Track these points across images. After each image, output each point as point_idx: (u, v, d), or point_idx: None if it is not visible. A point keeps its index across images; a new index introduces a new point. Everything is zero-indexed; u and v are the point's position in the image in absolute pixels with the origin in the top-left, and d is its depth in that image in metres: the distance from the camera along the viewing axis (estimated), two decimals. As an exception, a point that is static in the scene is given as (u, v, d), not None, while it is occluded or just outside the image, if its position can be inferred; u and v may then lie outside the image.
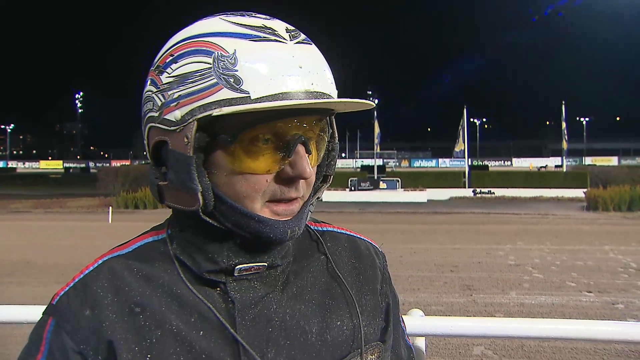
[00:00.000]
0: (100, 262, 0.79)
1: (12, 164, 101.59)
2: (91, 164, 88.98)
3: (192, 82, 0.70)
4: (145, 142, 0.79)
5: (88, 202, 23.60)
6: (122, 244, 0.82)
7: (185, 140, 0.70)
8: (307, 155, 0.73)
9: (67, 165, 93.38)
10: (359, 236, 0.95)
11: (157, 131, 0.75)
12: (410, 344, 0.96)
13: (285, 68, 0.69)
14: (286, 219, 0.74)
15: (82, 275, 0.77)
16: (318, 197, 0.84)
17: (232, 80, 0.67)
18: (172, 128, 0.72)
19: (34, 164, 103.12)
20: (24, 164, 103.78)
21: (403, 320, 0.96)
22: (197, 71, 0.69)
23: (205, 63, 0.69)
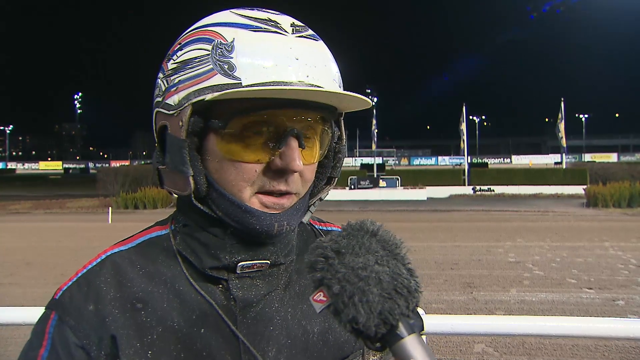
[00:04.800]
0: (103, 257, 0.79)
1: (11, 165, 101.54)
2: (90, 165, 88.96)
3: (190, 68, 0.71)
4: (154, 127, 0.80)
5: (88, 202, 23.53)
6: (126, 239, 0.82)
7: (180, 123, 0.71)
8: (300, 149, 0.72)
9: (66, 166, 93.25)
10: None
11: (161, 115, 0.77)
12: None
13: (281, 58, 0.69)
14: (274, 212, 0.73)
15: (84, 270, 0.77)
16: (320, 198, 0.83)
17: (226, 66, 0.69)
18: (171, 112, 0.73)
19: (34, 165, 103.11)
20: (23, 165, 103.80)
21: None
22: (196, 57, 0.71)
23: (205, 50, 0.71)
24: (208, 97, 0.68)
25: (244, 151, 0.71)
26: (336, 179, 0.84)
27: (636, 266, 8.73)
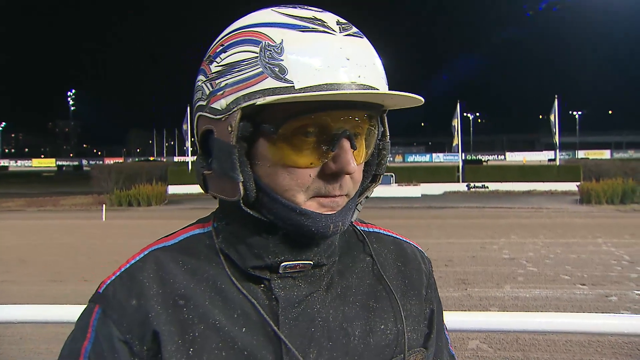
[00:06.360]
0: (146, 252, 0.79)
1: (4, 162, 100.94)
2: (84, 162, 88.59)
3: (238, 71, 0.69)
4: (195, 131, 0.79)
5: (82, 200, 23.42)
6: (168, 235, 0.82)
7: (229, 128, 0.70)
8: (352, 150, 0.71)
9: (60, 163, 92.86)
10: (405, 239, 0.94)
11: (205, 120, 0.75)
12: (453, 353, 0.93)
13: (332, 59, 0.68)
14: (330, 212, 0.72)
15: (128, 265, 0.77)
16: (367, 197, 0.83)
17: (277, 69, 0.67)
18: (218, 117, 0.72)
19: (27, 162, 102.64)
20: (16, 162, 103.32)
21: (447, 328, 0.94)
22: (244, 60, 0.69)
23: (252, 52, 0.69)
24: (259, 101, 0.66)
25: (297, 156, 0.69)
26: (381, 176, 0.83)
27: (629, 262, 8.80)
